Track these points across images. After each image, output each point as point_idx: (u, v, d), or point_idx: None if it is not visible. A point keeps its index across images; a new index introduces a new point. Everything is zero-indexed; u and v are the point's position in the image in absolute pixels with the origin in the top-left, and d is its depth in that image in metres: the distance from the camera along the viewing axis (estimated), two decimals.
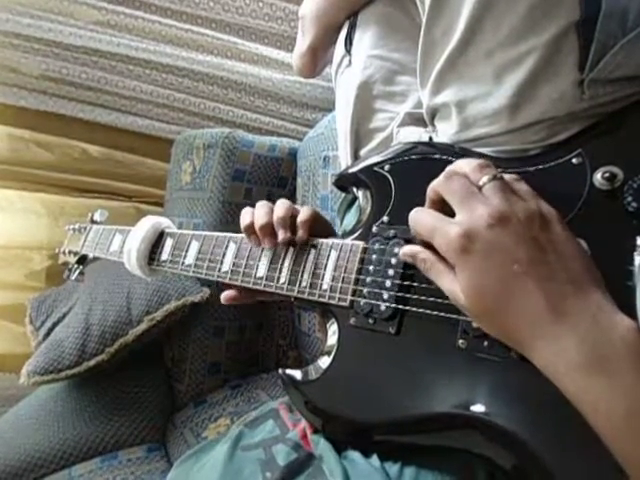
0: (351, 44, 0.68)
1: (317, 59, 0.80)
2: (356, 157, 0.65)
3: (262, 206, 0.55)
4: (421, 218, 0.38)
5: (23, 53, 1.33)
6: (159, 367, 1.21)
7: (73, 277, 0.88)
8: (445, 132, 0.50)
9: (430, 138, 0.54)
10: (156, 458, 1.01)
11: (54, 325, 1.18)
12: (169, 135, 1.48)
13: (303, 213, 0.53)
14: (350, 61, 0.68)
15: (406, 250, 0.40)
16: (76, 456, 0.98)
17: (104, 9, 1.35)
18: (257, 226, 0.53)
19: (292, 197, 1.25)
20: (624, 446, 0.29)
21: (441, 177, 0.37)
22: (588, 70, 0.39)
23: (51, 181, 1.46)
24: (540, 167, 0.42)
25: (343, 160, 0.69)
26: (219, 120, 1.51)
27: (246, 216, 0.55)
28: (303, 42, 0.79)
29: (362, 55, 0.65)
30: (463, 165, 0.37)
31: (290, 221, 0.53)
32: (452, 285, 0.35)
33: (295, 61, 0.83)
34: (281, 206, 0.54)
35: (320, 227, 0.56)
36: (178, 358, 1.19)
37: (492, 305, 0.33)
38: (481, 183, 0.35)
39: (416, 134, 0.56)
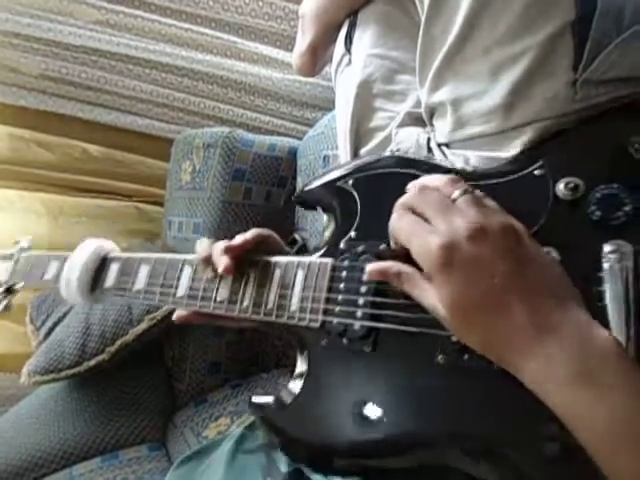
0: (351, 43, 0.68)
1: (317, 58, 0.80)
2: (356, 156, 0.65)
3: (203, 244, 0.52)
4: (403, 220, 0.37)
5: (23, 53, 1.33)
6: (159, 367, 1.21)
7: None
8: (441, 131, 0.50)
9: (429, 138, 0.54)
10: (157, 457, 1.01)
11: (55, 325, 1.18)
12: (169, 134, 1.48)
13: (236, 239, 0.50)
14: (350, 60, 0.68)
15: (374, 268, 0.39)
16: (77, 455, 0.98)
17: (103, 8, 1.35)
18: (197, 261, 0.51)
19: (292, 196, 1.25)
20: (609, 457, 0.29)
21: (413, 191, 0.37)
22: (582, 70, 0.39)
23: (51, 181, 1.46)
24: (504, 179, 0.42)
25: (343, 159, 0.68)
26: (219, 119, 1.51)
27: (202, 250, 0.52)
28: (303, 41, 0.79)
29: (362, 54, 0.65)
30: (433, 179, 0.37)
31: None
32: (430, 298, 0.35)
33: (295, 60, 0.83)
34: (202, 249, 0.52)
35: (272, 247, 0.54)
36: (178, 358, 1.19)
37: (474, 319, 0.33)
38: (454, 197, 0.35)
39: (414, 135, 0.56)
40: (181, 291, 0.54)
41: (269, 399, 0.46)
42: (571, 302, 0.32)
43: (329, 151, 1.05)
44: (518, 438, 0.34)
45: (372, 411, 0.40)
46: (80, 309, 1.14)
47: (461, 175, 0.42)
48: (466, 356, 0.37)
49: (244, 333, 1.26)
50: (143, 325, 1.06)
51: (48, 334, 1.16)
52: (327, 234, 0.50)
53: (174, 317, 0.55)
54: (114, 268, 0.62)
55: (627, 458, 0.28)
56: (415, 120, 0.59)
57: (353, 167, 0.49)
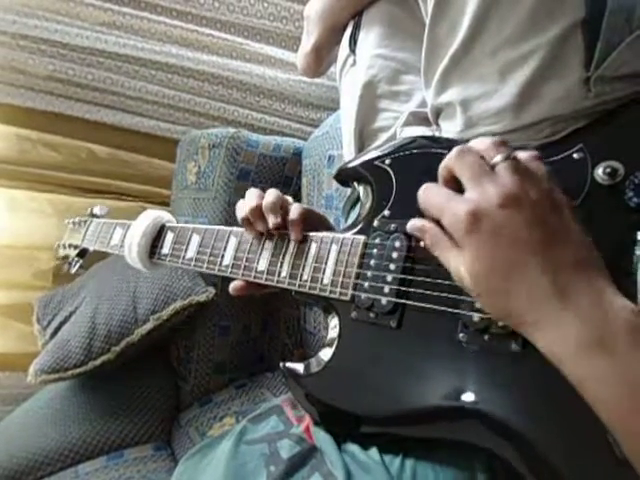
0: (355, 44, 0.68)
1: (321, 59, 0.80)
2: None
3: (252, 192, 0.56)
4: (430, 195, 0.37)
5: (30, 54, 1.34)
6: (165, 367, 1.22)
7: (73, 270, 0.88)
8: (449, 131, 0.50)
9: (432, 134, 0.54)
10: (162, 457, 1.01)
11: (61, 324, 1.19)
12: (174, 135, 1.49)
13: (293, 212, 0.53)
14: (355, 61, 0.68)
15: (414, 223, 0.40)
16: (82, 454, 0.99)
17: (110, 10, 1.36)
18: (248, 210, 0.54)
19: (297, 196, 1.25)
20: (625, 425, 0.29)
21: (453, 153, 0.36)
22: (594, 68, 0.39)
23: (58, 181, 1.47)
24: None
25: (348, 159, 0.68)
26: (224, 120, 1.51)
27: (240, 209, 0.56)
28: (308, 42, 0.79)
29: (366, 55, 0.65)
30: (477, 143, 0.37)
31: (281, 211, 0.53)
32: (456, 263, 0.35)
33: (300, 61, 0.83)
34: (271, 193, 0.54)
35: (314, 222, 0.56)
36: (184, 357, 1.19)
37: (496, 285, 0.33)
38: (494, 162, 0.34)
39: (420, 134, 0.56)
40: (227, 260, 0.58)
41: (299, 365, 0.49)
42: (597, 274, 0.32)
43: (334, 151, 1.05)
44: (534, 416, 0.34)
45: (396, 383, 0.42)
46: (86, 309, 1.14)
47: None
48: (486, 336, 0.38)
49: (249, 333, 1.26)
50: (149, 325, 1.06)
51: (54, 334, 1.17)
52: (363, 211, 0.52)
53: (231, 289, 0.58)
54: (170, 237, 0.67)
55: None
56: (420, 120, 0.59)
57: (392, 147, 0.50)
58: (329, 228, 0.60)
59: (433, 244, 0.38)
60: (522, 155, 0.35)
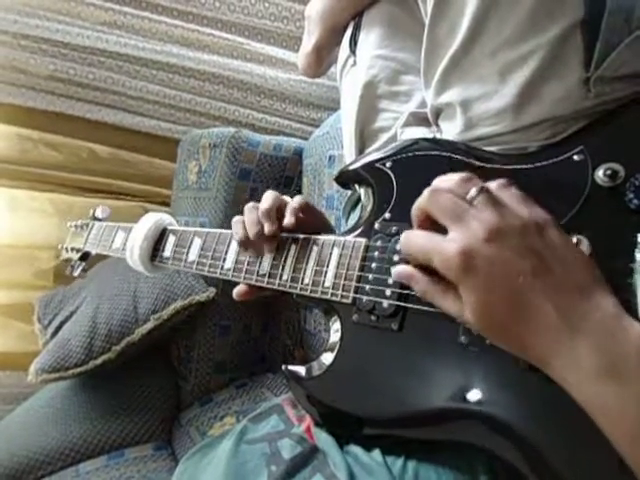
0: (356, 44, 0.68)
1: (322, 59, 0.81)
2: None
3: (250, 212, 0.54)
4: (413, 240, 0.36)
5: (31, 54, 1.34)
6: (165, 366, 1.22)
7: (76, 273, 0.89)
8: (449, 132, 0.50)
9: (434, 137, 0.54)
10: (162, 456, 1.01)
11: (61, 324, 1.19)
12: (175, 135, 1.49)
13: (293, 202, 0.53)
14: (355, 61, 0.68)
15: (399, 271, 0.38)
16: (83, 453, 0.99)
17: (111, 10, 1.36)
18: (250, 235, 0.53)
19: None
20: (636, 452, 0.29)
21: (425, 195, 0.36)
22: (594, 68, 0.39)
23: (59, 181, 1.47)
24: (541, 164, 0.42)
25: (348, 159, 0.69)
26: (225, 120, 1.51)
27: (238, 227, 0.54)
28: (308, 42, 0.79)
29: (367, 55, 0.65)
30: (445, 181, 0.36)
31: (278, 212, 0.53)
32: (456, 307, 0.34)
33: (300, 60, 0.83)
34: (266, 199, 0.53)
35: (313, 218, 0.56)
36: (184, 357, 1.19)
37: (502, 321, 0.32)
38: (470, 197, 0.34)
39: (420, 134, 0.56)
40: (228, 264, 0.58)
41: (301, 368, 0.49)
42: (599, 294, 0.31)
43: (335, 151, 1.05)
44: (535, 418, 0.35)
45: (398, 385, 0.42)
46: (87, 308, 1.15)
47: (497, 158, 0.43)
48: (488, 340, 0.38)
49: (250, 333, 1.26)
50: (149, 324, 1.06)
51: (55, 333, 1.17)
52: (364, 214, 0.51)
53: (235, 294, 0.58)
54: (171, 240, 0.67)
55: None
56: (420, 120, 0.59)
57: (392, 149, 0.50)
58: (327, 225, 0.60)
59: (426, 292, 0.37)
60: (493, 185, 0.35)
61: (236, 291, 0.58)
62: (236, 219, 0.56)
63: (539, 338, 0.31)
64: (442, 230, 0.35)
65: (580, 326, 0.30)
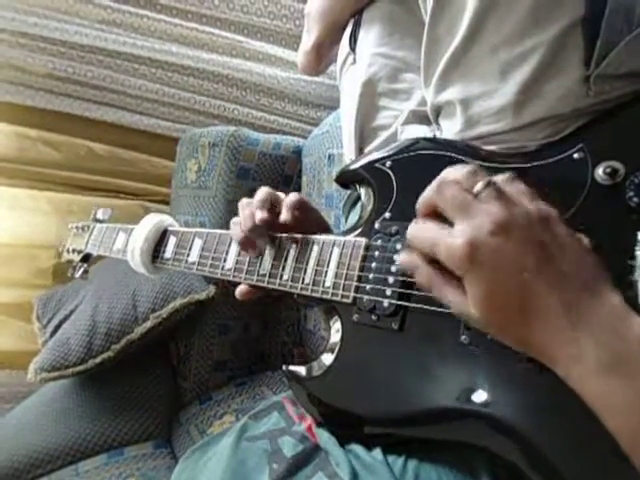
0: (355, 42, 0.68)
1: (321, 57, 0.80)
2: (361, 155, 0.65)
3: (244, 208, 0.54)
4: (420, 231, 0.36)
5: (29, 52, 1.34)
6: (165, 365, 1.22)
7: (77, 275, 0.89)
8: (449, 130, 0.50)
9: (434, 136, 0.54)
10: (162, 455, 1.01)
11: (61, 322, 1.19)
12: (174, 133, 1.49)
13: (289, 198, 0.53)
14: (355, 59, 0.68)
15: (404, 258, 0.38)
16: (82, 452, 0.99)
17: (109, 8, 1.35)
18: (246, 229, 0.53)
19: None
20: None
21: (432, 188, 0.36)
22: (594, 66, 0.39)
23: (58, 179, 1.47)
24: (541, 162, 0.42)
25: (348, 158, 0.69)
26: (224, 118, 1.51)
27: (236, 228, 0.55)
28: (308, 40, 0.79)
29: (366, 53, 0.65)
30: (452, 173, 0.36)
31: (273, 206, 0.54)
32: (457, 298, 0.34)
33: (300, 58, 0.83)
34: (260, 192, 0.54)
35: (309, 214, 0.56)
36: (184, 356, 1.19)
37: (506, 315, 0.33)
38: (476, 191, 0.34)
39: (420, 132, 0.56)
40: (229, 264, 0.59)
41: (302, 368, 0.49)
42: (603, 289, 0.31)
43: (334, 150, 1.05)
44: (537, 418, 0.34)
45: (399, 385, 0.42)
46: (86, 307, 1.15)
47: (497, 156, 0.43)
48: (488, 337, 0.38)
49: (249, 331, 1.26)
50: (148, 323, 1.06)
51: (54, 332, 1.17)
52: (364, 214, 0.51)
53: (237, 294, 0.59)
54: (172, 241, 0.67)
55: None
56: (419, 118, 0.58)
57: (393, 149, 0.50)
58: (322, 221, 0.60)
59: (428, 282, 0.36)
60: (500, 179, 0.35)
61: (238, 291, 0.59)
62: (234, 220, 0.56)
63: (543, 331, 0.31)
64: (448, 223, 0.35)
65: (584, 320, 0.30)
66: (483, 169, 0.36)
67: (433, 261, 0.35)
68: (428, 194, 0.36)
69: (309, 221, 0.56)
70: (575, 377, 0.31)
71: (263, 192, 0.54)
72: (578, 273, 0.32)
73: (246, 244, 0.55)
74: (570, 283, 0.31)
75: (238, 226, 0.55)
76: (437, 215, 0.36)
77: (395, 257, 0.45)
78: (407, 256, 0.38)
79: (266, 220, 0.51)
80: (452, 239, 0.33)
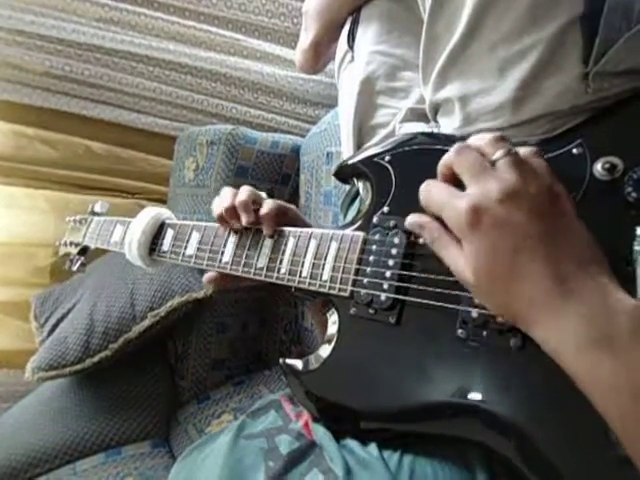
0: (354, 40, 0.68)
1: (319, 55, 0.80)
2: None
3: (226, 191, 0.58)
4: (432, 191, 0.37)
5: (26, 50, 1.33)
6: (162, 363, 1.22)
7: (75, 268, 0.89)
8: (448, 127, 0.50)
9: (432, 131, 0.54)
10: (160, 454, 1.01)
11: (58, 321, 1.19)
12: (172, 132, 1.49)
13: (264, 207, 0.55)
14: (353, 57, 0.68)
15: (413, 218, 0.39)
16: (80, 451, 0.99)
17: (107, 6, 1.35)
18: (223, 209, 0.56)
19: (295, 193, 1.25)
20: (628, 425, 0.29)
21: (452, 151, 0.36)
22: (592, 63, 0.39)
23: (55, 178, 1.46)
24: None
25: (346, 155, 0.68)
26: (222, 117, 1.51)
27: (216, 207, 0.58)
28: (306, 38, 0.79)
29: (364, 51, 0.65)
30: (477, 139, 0.37)
31: (255, 206, 0.56)
32: (457, 259, 0.35)
33: (297, 57, 0.83)
34: (243, 192, 0.57)
35: (288, 216, 0.58)
36: (181, 354, 1.19)
37: (498, 282, 0.33)
38: (494, 158, 0.34)
39: (419, 130, 0.56)
40: (226, 257, 0.59)
41: (298, 361, 0.49)
42: (598, 269, 0.32)
43: (332, 148, 1.05)
44: (532, 412, 0.35)
45: (395, 378, 0.42)
46: (84, 306, 1.14)
47: None
48: (485, 332, 0.38)
49: (247, 330, 1.26)
50: (146, 322, 1.06)
51: (52, 331, 1.17)
52: (363, 208, 0.52)
53: (204, 279, 0.61)
54: (170, 234, 0.67)
55: None
56: (418, 116, 0.58)
57: (391, 144, 0.51)
58: (304, 222, 0.61)
59: (432, 240, 0.37)
60: (522, 150, 0.35)
61: (206, 277, 0.60)
62: (217, 200, 0.59)
63: (531, 300, 0.32)
64: (464, 187, 0.35)
65: (573, 294, 0.31)
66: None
67: (443, 224, 0.36)
68: (447, 158, 0.37)
69: (290, 219, 0.58)
70: (561, 352, 0.31)
71: (245, 193, 0.57)
72: (575, 250, 0.32)
73: (222, 222, 0.58)
74: (565, 258, 0.32)
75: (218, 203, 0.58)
76: (455, 179, 0.36)
77: (393, 251, 0.45)
78: (415, 215, 0.39)
79: (251, 223, 0.55)
80: (457, 201, 0.34)
